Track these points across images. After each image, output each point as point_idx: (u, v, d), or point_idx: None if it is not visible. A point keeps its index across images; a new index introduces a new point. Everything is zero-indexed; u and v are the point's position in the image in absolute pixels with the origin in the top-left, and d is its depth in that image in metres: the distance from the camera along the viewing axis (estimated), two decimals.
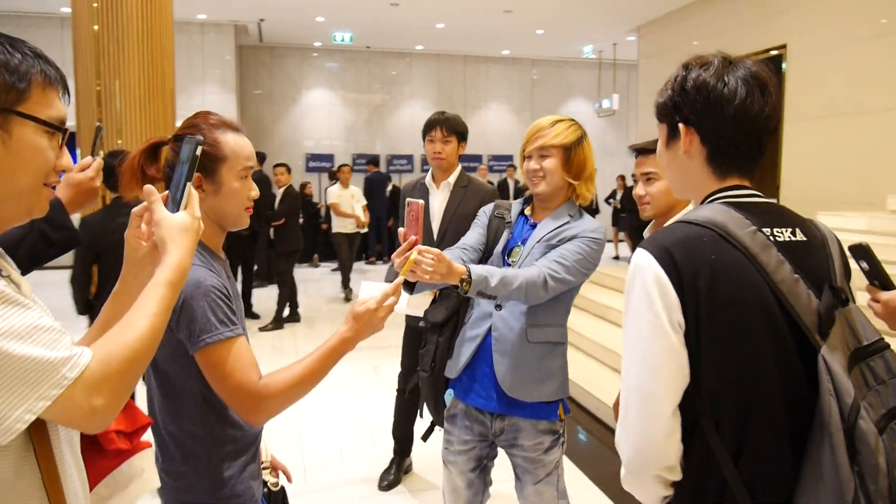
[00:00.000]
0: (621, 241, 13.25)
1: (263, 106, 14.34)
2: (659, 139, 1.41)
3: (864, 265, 1.48)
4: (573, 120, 2.25)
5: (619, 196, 12.93)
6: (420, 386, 2.51)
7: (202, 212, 1.48)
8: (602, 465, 4.01)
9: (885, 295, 1.47)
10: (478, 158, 14.97)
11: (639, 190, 2.17)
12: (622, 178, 13.13)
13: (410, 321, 3.36)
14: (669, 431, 1.15)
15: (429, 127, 3.23)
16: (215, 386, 1.36)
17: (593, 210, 12.60)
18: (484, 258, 2.29)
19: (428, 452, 3.70)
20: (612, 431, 4.47)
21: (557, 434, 2.24)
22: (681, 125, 1.30)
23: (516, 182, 12.94)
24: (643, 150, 2.18)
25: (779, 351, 1.16)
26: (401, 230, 1.81)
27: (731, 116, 1.25)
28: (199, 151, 1.10)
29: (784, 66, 8.74)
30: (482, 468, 2.37)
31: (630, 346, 1.20)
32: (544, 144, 2.15)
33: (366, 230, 9.13)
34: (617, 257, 12.94)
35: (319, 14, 11.69)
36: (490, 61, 15.41)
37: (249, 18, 12.02)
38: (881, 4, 7.46)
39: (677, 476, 1.19)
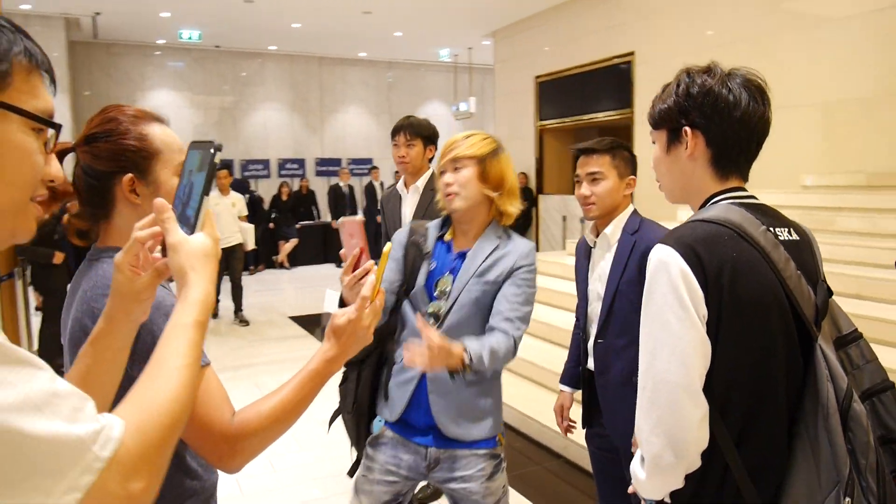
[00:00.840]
0: None
1: (100, 109, 13.13)
2: (656, 145, 1.43)
3: None
4: (488, 134, 2.11)
5: None
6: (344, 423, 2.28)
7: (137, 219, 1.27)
8: (515, 467, 4.02)
9: None
10: (336, 162, 14.69)
11: (584, 190, 2.17)
12: None
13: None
14: (702, 416, 1.19)
15: (393, 133, 3.14)
16: None
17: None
18: (399, 293, 2.06)
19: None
20: (522, 435, 4.56)
21: (499, 458, 2.06)
22: (687, 128, 1.34)
23: (382, 184, 12.80)
24: (588, 150, 2.17)
25: (787, 344, 1.24)
26: (341, 252, 1.57)
27: (738, 119, 1.30)
28: (217, 158, 0.90)
29: (632, 71, 9.37)
30: None
31: (654, 339, 1.23)
32: (457, 156, 1.97)
33: (252, 247, 8.36)
34: None
35: (164, 9, 10.89)
36: (346, 63, 15.17)
37: (82, 11, 10.96)
38: (708, 19, 8.19)
39: (699, 463, 1.22)
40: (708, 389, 1.20)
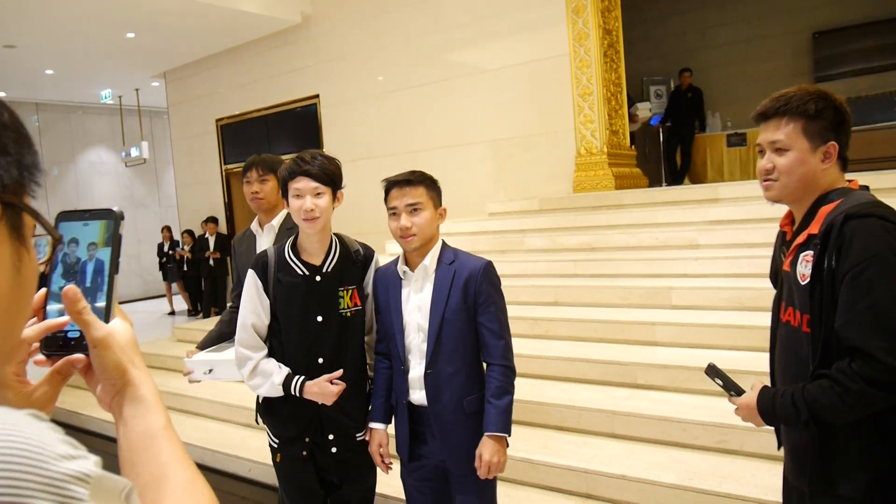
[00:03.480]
0: (175, 294, 12.44)
1: None
2: None
3: (718, 381, 1.74)
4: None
5: (166, 247, 12.22)
6: None
7: None
8: None
9: (739, 400, 1.69)
10: None
11: (404, 222, 2.12)
12: (168, 228, 12.46)
13: None
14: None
15: (245, 170, 2.97)
16: None
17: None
18: None
19: None
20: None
21: None
22: None
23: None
24: (404, 182, 2.14)
25: None
26: None
27: None
28: (122, 229, 0.79)
29: (318, 113, 9.65)
30: None
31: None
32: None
33: None
34: (172, 312, 12.15)
35: None
36: None
37: None
38: (380, 66, 8.88)
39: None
40: None
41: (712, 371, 1.75)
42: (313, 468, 2.28)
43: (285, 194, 2.22)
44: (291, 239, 2.28)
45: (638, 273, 5.01)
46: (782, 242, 1.72)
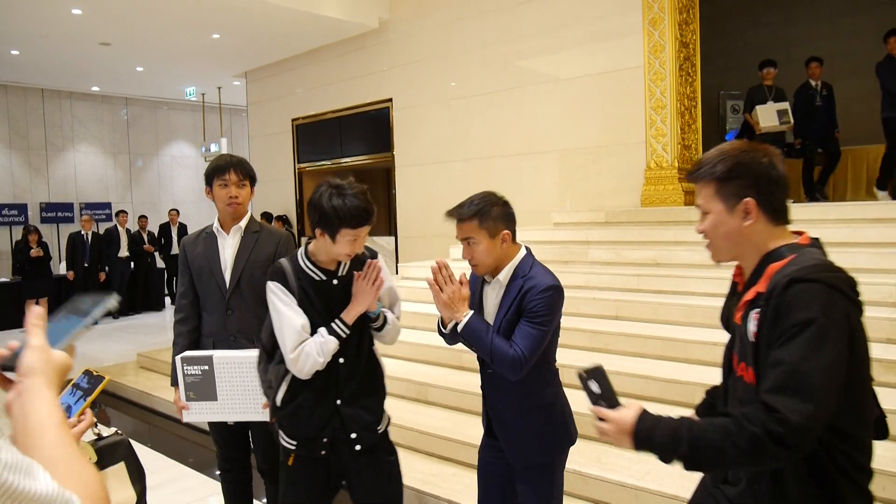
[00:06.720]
0: None
1: None
2: None
3: (594, 387, 1.53)
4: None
5: None
6: None
7: None
8: None
9: (611, 414, 1.51)
10: (69, 207, 13.10)
11: (464, 253, 2.23)
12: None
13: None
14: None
15: (221, 170, 2.86)
16: None
17: None
18: None
19: None
20: None
21: None
22: None
23: (128, 231, 11.65)
24: (457, 217, 2.23)
25: None
26: None
27: None
28: (99, 311, 1.08)
29: (391, 116, 9.83)
30: None
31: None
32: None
33: None
34: None
35: None
36: (75, 97, 13.67)
37: None
38: (453, 72, 8.97)
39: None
40: None
41: (593, 374, 1.54)
42: (326, 471, 2.33)
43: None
44: (303, 248, 2.32)
45: (703, 292, 4.91)
46: (733, 293, 1.70)
